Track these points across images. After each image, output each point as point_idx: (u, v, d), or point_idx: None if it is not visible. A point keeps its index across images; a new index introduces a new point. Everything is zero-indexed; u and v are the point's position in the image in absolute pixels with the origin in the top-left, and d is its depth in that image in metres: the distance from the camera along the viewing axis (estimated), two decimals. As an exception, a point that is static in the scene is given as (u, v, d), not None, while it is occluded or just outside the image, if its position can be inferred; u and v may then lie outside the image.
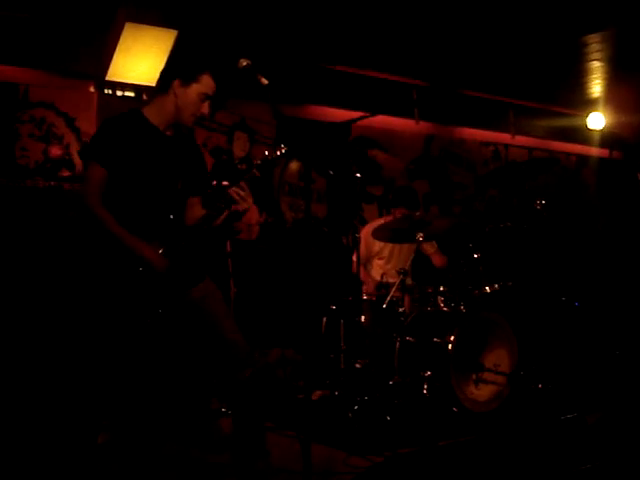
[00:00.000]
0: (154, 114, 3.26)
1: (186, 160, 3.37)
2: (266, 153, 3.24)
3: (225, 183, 5.14)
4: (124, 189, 3.17)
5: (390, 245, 5.79)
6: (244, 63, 3.09)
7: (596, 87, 7.93)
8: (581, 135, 8.85)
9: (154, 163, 3.22)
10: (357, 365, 4.87)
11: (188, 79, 3.22)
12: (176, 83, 3.22)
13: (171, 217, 3.24)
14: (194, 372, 4.68)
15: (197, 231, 3.31)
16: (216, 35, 5.91)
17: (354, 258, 5.43)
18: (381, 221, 5.81)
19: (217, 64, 3.29)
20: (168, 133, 3.32)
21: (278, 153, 3.21)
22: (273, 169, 3.32)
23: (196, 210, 3.39)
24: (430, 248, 5.92)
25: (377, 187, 7.49)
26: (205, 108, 3.29)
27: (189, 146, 3.43)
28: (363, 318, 5.01)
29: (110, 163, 3.13)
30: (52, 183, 5.59)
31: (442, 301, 5.14)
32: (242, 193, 3.17)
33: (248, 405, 3.32)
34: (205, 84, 3.24)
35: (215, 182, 5.23)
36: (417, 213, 5.48)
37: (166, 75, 3.29)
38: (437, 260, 5.95)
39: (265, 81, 3.08)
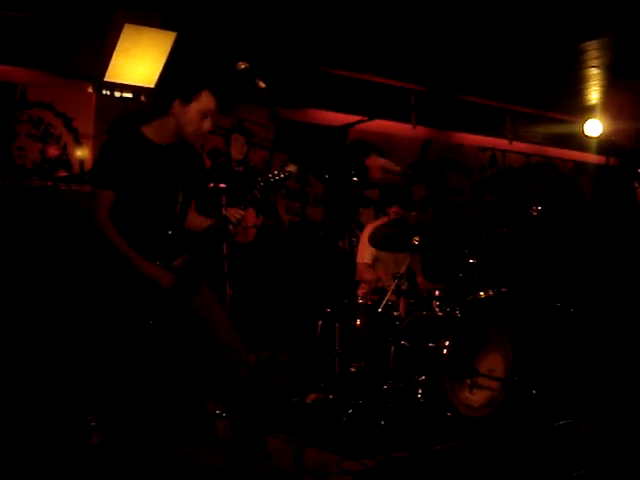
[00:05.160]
0: (153, 133, 3.26)
1: (186, 167, 3.38)
2: (269, 175, 3.31)
3: (222, 186, 5.18)
4: (128, 207, 3.20)
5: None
6: (242, 66, 3.10)
7: (593, 94, 7.94)
8: (578, 142, 8.85)
9: (155, 181, 3.23)
10: (352, 369, 4.86)
11: (187, 98, 3.21)
12: (176, 103, 3.22)
13: (169, 233, 3.27)
14: (189, 375, 4.69)
15: (201, 245, 3.33)
16: (214, 38, 5.92)
17: (359, 260, 5.46)
18: (379, 222, 5.80)
19: (217, 79, 3.28)
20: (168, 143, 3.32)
21: (282, 176, 3.29)
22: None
23: (191, 216, 3.44)
24: (417, 266, 5.92)
25: (373, 191, 7.49)
26: (207, 125, 3.29)
27: (189, 152, 3.43)
28: (358, 322, 5.01)
29: (117, 185, 3.17)
30: (49, 183, 5.57)
31: (437, 306, 5.14)
32: (238, 216, 3.29)
33: (247, 406, 3.37)
34: (205, 102, 3.23)
35: (212, 185, 5.25)
36: (413, 213, 5.46)
37: (166, 95, 3.28)
38: (421, 279, 5.93)
39: (263, 84, 3.10)
